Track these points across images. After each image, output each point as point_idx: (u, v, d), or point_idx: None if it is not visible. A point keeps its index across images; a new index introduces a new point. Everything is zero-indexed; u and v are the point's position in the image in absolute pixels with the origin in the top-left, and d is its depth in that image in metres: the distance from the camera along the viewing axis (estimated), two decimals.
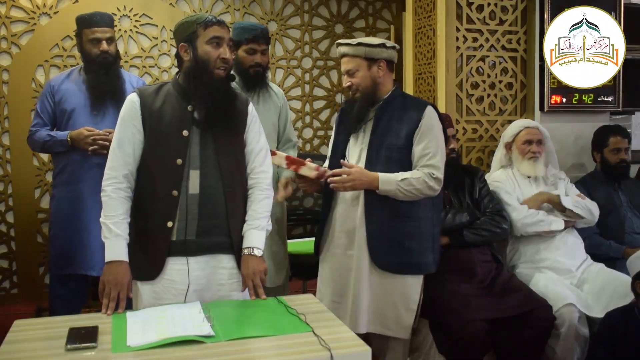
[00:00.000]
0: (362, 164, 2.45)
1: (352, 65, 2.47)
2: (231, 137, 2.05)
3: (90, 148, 2.75)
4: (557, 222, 2.89)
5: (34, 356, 1.52)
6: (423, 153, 2.42)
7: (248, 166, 2.11)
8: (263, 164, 2.12)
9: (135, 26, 4.43)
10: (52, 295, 2.94)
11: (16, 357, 1.51)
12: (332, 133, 2.69)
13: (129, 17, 4.41)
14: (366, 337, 2.40)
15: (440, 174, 2.42)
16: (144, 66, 4.47)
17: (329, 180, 2.38)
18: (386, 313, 2.47)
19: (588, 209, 2.93)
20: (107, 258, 1.92)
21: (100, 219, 1.96)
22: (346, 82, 2.50)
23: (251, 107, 2.13)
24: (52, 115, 2.88)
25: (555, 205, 2.92)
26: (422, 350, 2.66)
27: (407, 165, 2.44)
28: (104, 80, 2.84)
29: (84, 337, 1.60)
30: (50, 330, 1.70)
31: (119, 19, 4.38)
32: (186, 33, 1.99)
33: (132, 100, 2.01)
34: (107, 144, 2.71)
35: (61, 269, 2.88)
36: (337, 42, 2.54)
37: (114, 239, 1.93)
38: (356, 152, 2.51)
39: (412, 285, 2.49)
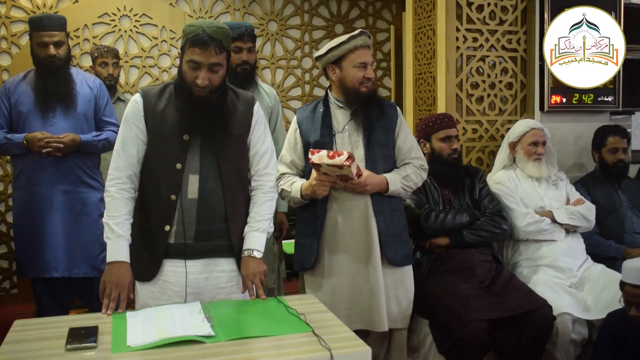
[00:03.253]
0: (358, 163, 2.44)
1: (371, 58, 2.46)
2: (233, 141, 2.01)
3: (44, 150, 2.74)
4: (558, 233, 2.91)
5: (34, 356, 1.52)
6: (408, 147, 2.50)
7: (252, 168, 2.08)
8: (268, 166, 2.08)
9: (135, 26, 4.43)
10: (37, 298, 2.91)
11: (16, 357, 1.51)
12: (296, 137, 2.51)
13: (129, 17, 4.41)
14: (365, 337, 2.40)
15: (426, 164, 2.54)
16: (143, 66, 4.47)
17: (347, 184, 2.35)
18: (393, 306, 2.47)
19: (583, 217, 2.93)
20: (109, 259, 1.92)
21: (103, 219, 1.96)
22: (371, 74, 2.41)
23: (257, 107, 2.08)
24: (8, 118, 2.85)
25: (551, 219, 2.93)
26: (422, 350, 2.67)
27: (394, 161, 2.50)
28: (50, 84, 2.81)
29: (84, 337, 1.60)
30: (50, 330, 1.70)
31: (119, 18, 4.39)
32: (182, 41, 1.94)
33: (135, 101, 1.99)
34: (61, 146, 2.75)
35: (23, 274, 2.87)
36: (360, 31, 2.40)
37: (116, 240, 1.92)
38: None
39: (409, 276, 2.55)
